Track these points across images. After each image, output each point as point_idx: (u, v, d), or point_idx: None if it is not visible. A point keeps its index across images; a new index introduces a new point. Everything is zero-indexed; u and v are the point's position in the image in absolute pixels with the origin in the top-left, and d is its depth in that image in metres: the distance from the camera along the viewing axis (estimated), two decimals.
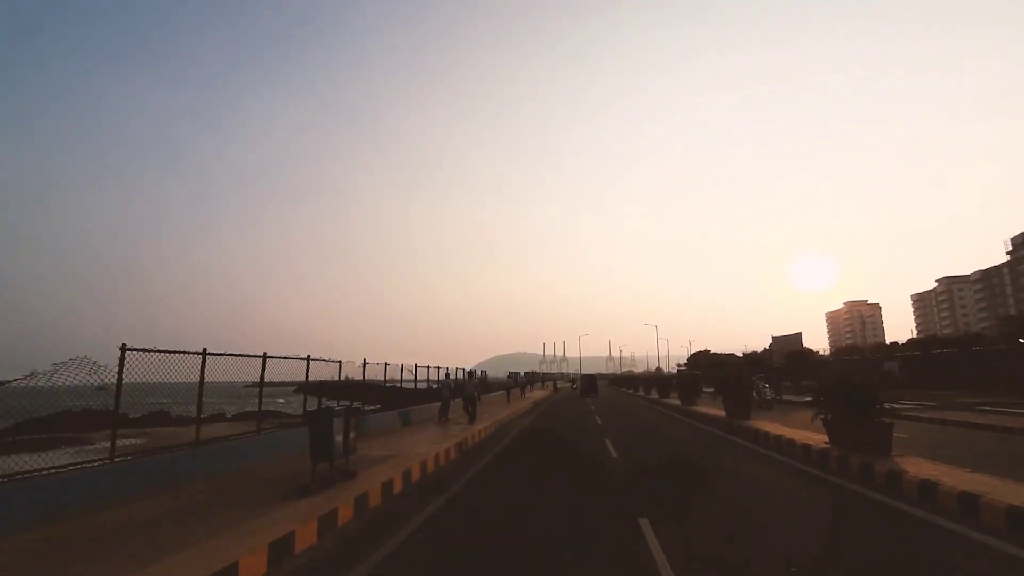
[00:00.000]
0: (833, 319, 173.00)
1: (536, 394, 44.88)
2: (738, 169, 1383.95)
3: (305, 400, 12.41)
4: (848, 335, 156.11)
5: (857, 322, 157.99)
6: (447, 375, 20.68)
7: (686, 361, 75.26)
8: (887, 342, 68.75)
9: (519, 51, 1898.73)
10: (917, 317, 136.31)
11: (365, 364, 15.08)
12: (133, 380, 6.70)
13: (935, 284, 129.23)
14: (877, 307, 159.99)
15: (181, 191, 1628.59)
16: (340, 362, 13.44)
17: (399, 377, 18.84)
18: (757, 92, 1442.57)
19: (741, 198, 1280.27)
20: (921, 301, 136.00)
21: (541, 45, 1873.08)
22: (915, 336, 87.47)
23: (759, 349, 47.76)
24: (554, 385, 61.95)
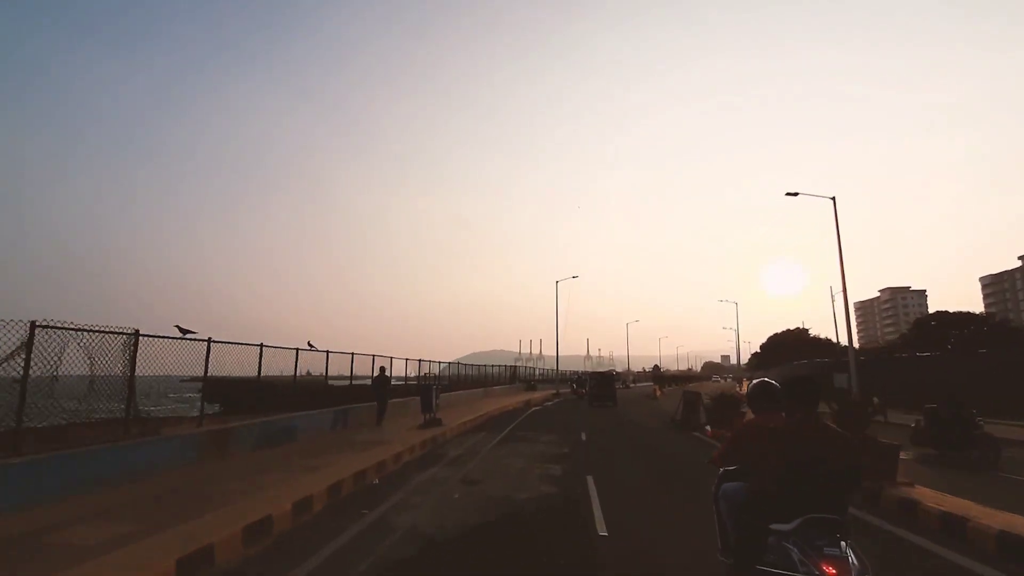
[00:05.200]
0: (865, 309, 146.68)
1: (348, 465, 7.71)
2: (724, 169, 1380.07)
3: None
4: (889, 326, 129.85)
5: (900, 311, 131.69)
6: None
7: (757, 351, 44.95)
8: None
9: (504, 50, 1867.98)
10: (991, 304, 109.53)
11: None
12: None
13: (1019, 262, 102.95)
14: (923, 294, 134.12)
15: (155, 179, 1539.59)
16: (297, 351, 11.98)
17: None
18: (760, 89, 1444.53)
19: (726, 198, 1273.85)
20: (996, 284, 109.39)
21: (526, 45, 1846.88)
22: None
23: None
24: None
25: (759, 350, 46.84)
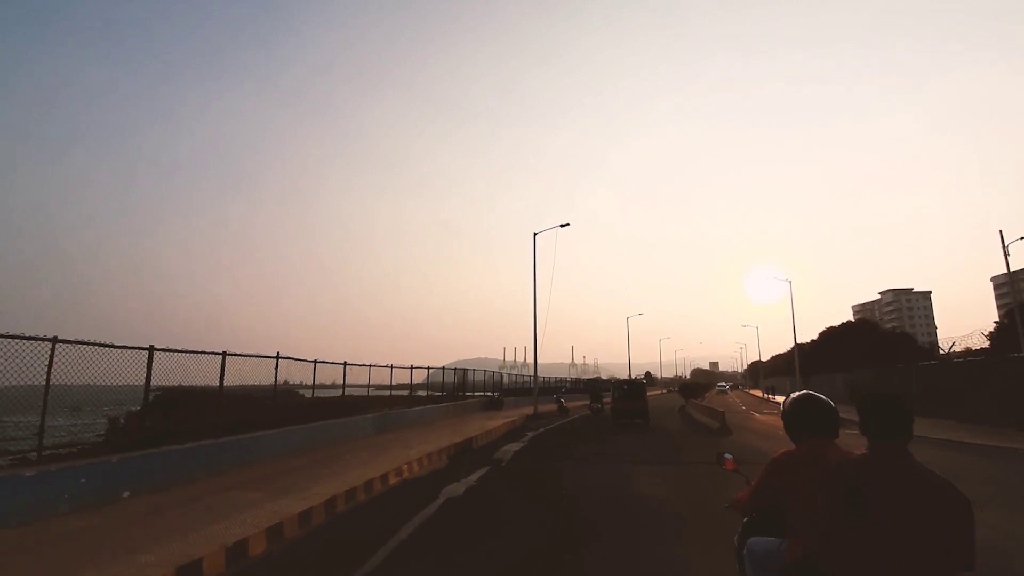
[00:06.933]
0: (865, 312, 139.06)
1: None
2: (720, 167, 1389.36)
3: None
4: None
5: (904, 314, 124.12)
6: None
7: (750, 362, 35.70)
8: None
9: (489, 49, 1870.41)
10: (1003, 305, 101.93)
11: None
12: None
13: None
14: (927, 295, 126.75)
15: (136, 181, 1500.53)
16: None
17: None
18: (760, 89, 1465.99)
19: (719, 197, 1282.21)
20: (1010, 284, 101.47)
21: (512, 44, 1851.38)
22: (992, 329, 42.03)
23: None
24: None
25: (788, 348, 36.74)
